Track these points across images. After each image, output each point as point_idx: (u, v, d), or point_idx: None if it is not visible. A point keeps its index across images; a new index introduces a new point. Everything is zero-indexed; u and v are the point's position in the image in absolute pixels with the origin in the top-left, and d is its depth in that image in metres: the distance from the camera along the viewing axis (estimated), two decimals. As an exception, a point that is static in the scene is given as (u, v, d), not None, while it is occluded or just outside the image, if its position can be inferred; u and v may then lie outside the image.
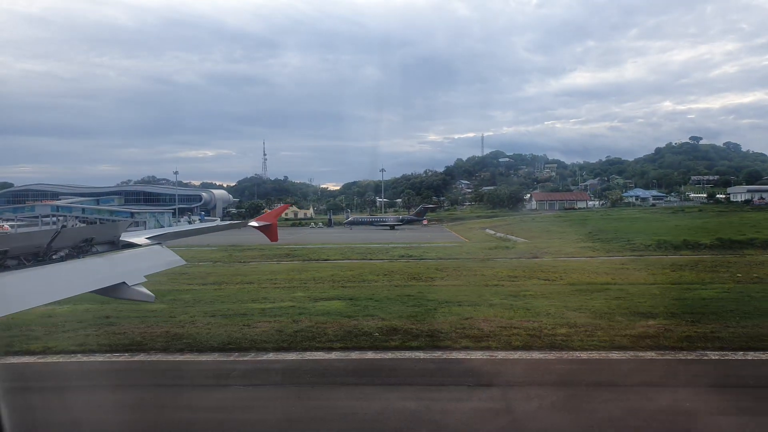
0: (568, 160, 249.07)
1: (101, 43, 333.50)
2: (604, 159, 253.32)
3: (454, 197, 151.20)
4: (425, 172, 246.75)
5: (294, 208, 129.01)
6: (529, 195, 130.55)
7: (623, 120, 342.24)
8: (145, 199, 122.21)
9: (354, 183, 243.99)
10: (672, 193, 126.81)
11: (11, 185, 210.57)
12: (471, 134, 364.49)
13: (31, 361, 11.77)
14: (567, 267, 27.42)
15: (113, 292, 4.56)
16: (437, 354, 11.68)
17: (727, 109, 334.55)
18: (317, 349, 11.99)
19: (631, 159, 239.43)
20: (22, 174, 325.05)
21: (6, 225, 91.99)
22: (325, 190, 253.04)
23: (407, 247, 45.94)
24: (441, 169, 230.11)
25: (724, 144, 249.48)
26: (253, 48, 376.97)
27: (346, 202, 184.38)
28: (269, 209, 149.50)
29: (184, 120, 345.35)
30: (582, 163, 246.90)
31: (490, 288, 20.22)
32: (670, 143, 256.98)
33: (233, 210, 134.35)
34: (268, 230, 9.95)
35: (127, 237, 5.65)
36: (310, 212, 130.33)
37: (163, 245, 5.84)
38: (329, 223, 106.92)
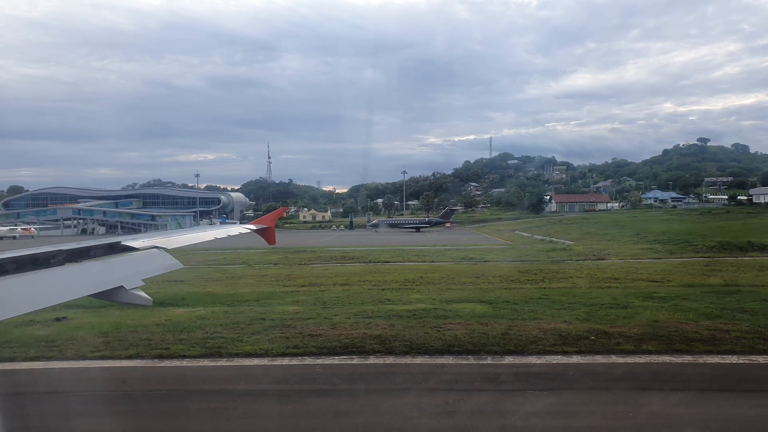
0: (570, 162, 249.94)
1: (102, 47, 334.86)
2: (609, 161, 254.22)
3: (469, 199, 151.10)
4: (433, 174, 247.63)
5: (312, 211, 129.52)
6: (548, 197, 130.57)
7: (624, 122, 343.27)
8: (163, 202, 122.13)
9: (362, 185, 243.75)
10: (690, 195, 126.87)
11: (21, 189, 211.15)
12: (471, 136, 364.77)
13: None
14: (654, 269, 27.31)
15: (111, 295, 4.60)
16: (689, 358, 11.40)
17: (728, 110, 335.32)
18: (549, 352, 11.78)
19: (636, 161, 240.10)
20: (23, 178, 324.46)
21: (32, 228, 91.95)
22: (332, 193, 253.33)
23: (455, 249, 45.65)
24: (448, 172, 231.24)
25: (732, 146, 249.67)
26: (253, 51, 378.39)
27: (361, 204, 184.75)
28: (287, 213, 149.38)
29: (184, 123, 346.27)
30: (588, 165, 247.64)
31: (610, 290, 20.06)
32: (678, 144, 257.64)
33: (250, 213, 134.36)
34: (265, 233, 9.92)
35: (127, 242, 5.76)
36: (328, 215, 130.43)
37: (161, 249, 5.84)
38: (350, 226, 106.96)
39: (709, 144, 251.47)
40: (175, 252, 6.09)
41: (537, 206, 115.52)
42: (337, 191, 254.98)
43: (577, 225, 77.09)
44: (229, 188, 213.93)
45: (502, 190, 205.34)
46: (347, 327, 14.01)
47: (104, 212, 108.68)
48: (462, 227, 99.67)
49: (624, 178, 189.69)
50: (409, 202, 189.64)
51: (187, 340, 13.15)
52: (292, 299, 19.51)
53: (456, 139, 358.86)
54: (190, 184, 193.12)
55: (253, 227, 9.64)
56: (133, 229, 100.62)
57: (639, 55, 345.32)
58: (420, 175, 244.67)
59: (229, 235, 8.38)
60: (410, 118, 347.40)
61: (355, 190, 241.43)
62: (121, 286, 4.55)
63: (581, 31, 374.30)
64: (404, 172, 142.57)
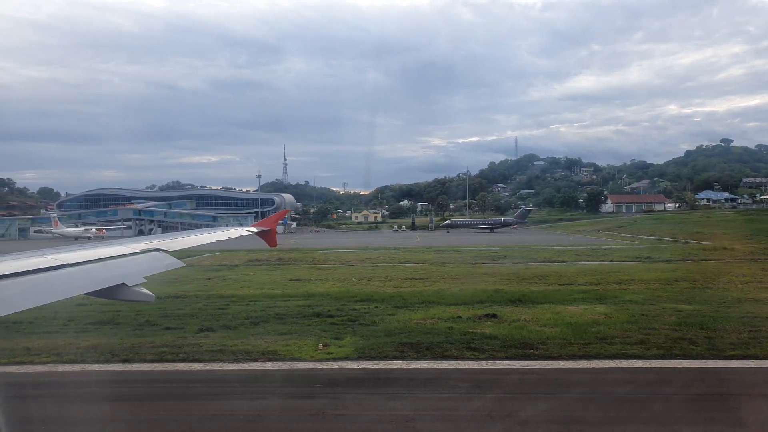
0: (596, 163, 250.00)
1: (106, 49, 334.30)
2: (628, 162, 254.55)
3: (511, 201, 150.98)
4: (458, 175, 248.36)
5: (365, 212, 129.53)
6: (604, 197, 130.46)
7: (628, 124, 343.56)
8: (216, 203, 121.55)
9: (386, 187, 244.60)
10: (744, 195, 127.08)
11: (51, 191, 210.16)
12: (475, 138, 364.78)
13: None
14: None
15: (114, 293, 4.69)
16: None
17: (733, 112, 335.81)
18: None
19: (659, 162, 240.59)
20: (27, 180, 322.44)
21: (104, 229, 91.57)
22: (357, 195, 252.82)
23: (558, 250, 44.18)
24: (452, 174, 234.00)
25: (756, 146, 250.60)
26: (257, 53, 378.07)
27: (390, 204, 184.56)
28: (335, 215, 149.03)
29: (187, 125, 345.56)
30: (607, 166, 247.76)
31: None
32: (701, 146, 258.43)
33: (298, 214, 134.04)
34: (267, 236, 9.95)
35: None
36: (379, 216, 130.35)
37: (161, 251, 6.02)
38: (413, 226, 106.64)
39: (732, 145, 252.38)
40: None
41: (594, 207, 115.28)
42: (361, 193, 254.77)
43: (663, 225, 77.06)
44: (243, 190, 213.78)
45: (532, 191, 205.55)
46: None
47: (165, 213, 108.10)
48: (528, 228, 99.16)
49: (656, 179, 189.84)
50: (445, 203, 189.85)
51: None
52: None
53: (459, 141, 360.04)
54: (197, 185, 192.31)
55: (255, 230, 9.64)
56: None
57: (643, 57, 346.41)
58: (446, 176, 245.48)
59: (231, 237, 8.41)
60: (413, 120, 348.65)
61: (380, 191, 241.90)
62: (123, 283, 4.68)
63: (585, 33, 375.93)
64: (468, 173, 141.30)
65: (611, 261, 36.52)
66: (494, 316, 15.26)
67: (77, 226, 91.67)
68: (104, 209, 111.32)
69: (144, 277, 5.07)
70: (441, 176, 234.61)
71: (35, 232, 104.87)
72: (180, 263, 5.98)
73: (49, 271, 4.33)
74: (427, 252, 45.53)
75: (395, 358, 11.54)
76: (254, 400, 9.57)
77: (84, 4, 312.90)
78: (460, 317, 15.42)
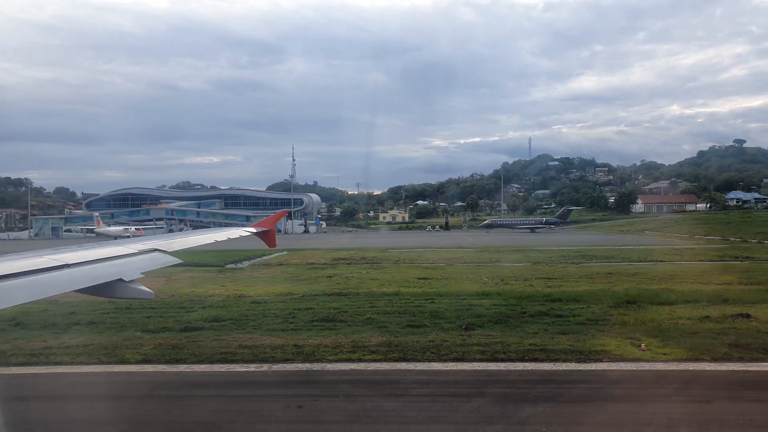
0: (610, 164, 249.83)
1: (108, 50, 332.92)
2: (639, 163, 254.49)
3: (531, 203, 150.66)
4: (471, 175, 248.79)
5: (393, 212, 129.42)
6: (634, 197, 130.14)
7: (630, 124, 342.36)
8: (244, 203, 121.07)
9: (399, 187, 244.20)
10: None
11: (67, 190, 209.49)
12: (477, 139, 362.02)
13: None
14: None
15: (110, 291, 4.65)
16: None
17: (735, 112, 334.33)
18: None
19: (670, 162, 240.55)
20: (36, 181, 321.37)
21: (141, 228, 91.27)
22: (370, 195, 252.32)
23: (642, 250, 43.69)
24: (454, 175, 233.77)
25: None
26: (259, 54, 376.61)
27: (404, 203, 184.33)
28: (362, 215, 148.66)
29: (189, 126, 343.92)
30: (617, 166, 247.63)
31: None
32: (714, 146, 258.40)
33: (325, 214, 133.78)
34: (266, 236, 9.92)
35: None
36: (407, 216, 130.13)
37: (160, 251, 6.08)
38: (446, 227, 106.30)
39: (745, 145, 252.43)
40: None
41: (625, 207, 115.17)
42: (375, 193, 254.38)
43: (709, 225, 76.74)
44: (252, 189, 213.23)
45: (547, 191, 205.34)
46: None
47: (197, 213, 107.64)
48: (562, 229, 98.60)
49: (674, 179, 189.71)
50: (459, 203, 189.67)
51: None
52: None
53: (461, 141, 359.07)
54: (207, 185, 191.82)
55: (254, 230, 9.54)
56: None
57: (645, 58, 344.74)
58: (459, 176, 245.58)
59: (229, 238, 8.37)
60: (414, 120, 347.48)
61: (394, 192, 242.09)
62: (120, 279, 4.70)
63: (587, 34, 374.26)
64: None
65: (711, 261, 36.16)
66: (747, 315, 14.86)
67: (116, 226, 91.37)
68: (136, 209, 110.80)
69: (141, 273, 5.08)
70: (442, 177, 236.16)
71: (65, 231, 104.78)
72: (176, 260, 5.99)
73: (48, 272, 4.32)
74: (504, 252, 44.77)
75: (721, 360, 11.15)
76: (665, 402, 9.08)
77: (86, 4, 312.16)
78: (708, 317, 15.04)
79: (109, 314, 16.98)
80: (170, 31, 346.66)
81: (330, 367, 11.15)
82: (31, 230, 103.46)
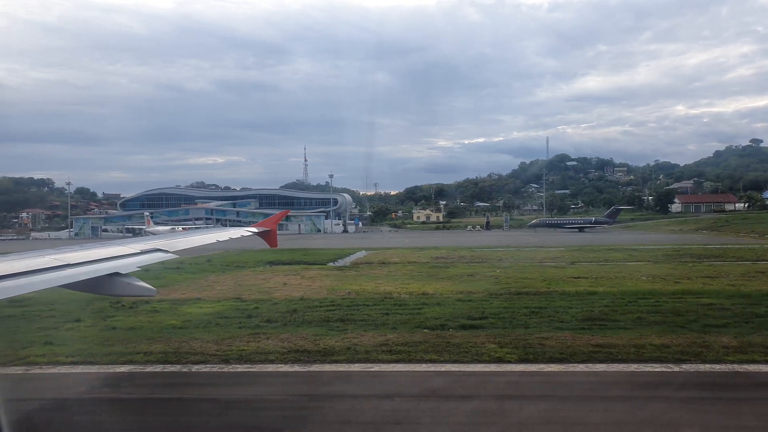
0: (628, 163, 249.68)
1: (114, 51, 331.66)
2: (652, 163, 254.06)
3: (564, 203, 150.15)
4: (489, 175, 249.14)
5: (428, 211, 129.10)
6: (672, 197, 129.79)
7: (635, 124, 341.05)
8: (279, 203, 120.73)
9: (416, 187, 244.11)
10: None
11: (88, 191, 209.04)
12: (481, 139, 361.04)
13: None
14: None
15: (104, 287, 4.50)
16: None
17: (741, 112, 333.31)
18: None
19: (688, 162, 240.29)
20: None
21: (186, 228, 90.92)
22: (387, 195, 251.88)
23: (736, 248, 43.19)
24: (460, 176, 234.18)
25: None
26: (264, 55, 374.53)
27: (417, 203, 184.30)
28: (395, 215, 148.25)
29: (193, 126, 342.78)
30: (631, 166, 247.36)
31: None
32: (731, 146, 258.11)
33: (356, 214, 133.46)
34: (267, 236, 9.95)
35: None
36: (441, 216, 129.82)
37: (162, 251, 6.15)
38: (487, 226, 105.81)
39: (762, 145, 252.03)
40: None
41: (664, 206, 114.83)
42: (392, 193, 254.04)
43: (764, 225, 76.12)
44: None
45: (567, 191, 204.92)
46: None
47: (237, 212, 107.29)
48: (602, 228, 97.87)
49: (696, 179, 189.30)
50: (480, 203, 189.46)
51: None
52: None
53: (465, 141, 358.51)
54: (211, 185, 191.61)
55: (256, 230, 9.57)
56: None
57: (651, 58, 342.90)
58: (477, 176, 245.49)
59: (231, 238, 8.46)
60: (418, 121, 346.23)
61: (410, 192, 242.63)
62: (117, 273, 4.64)
63: (592, 34, 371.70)
64: (517, 170, 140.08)
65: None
66: None
67: (164, 225, 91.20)
68: (175, 209, 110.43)
69: (138, 267, 5.08)
70: (445, 178, 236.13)
71: (102, 231, 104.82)
72: (172, 255, 6.02)
73: (47, 273, 4.31)
74: (600, 251, 44.03)
75: None
76: None
77: (92, 6, 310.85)
78: None
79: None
80: (175, 31, 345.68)
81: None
82: (71, 230, 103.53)
